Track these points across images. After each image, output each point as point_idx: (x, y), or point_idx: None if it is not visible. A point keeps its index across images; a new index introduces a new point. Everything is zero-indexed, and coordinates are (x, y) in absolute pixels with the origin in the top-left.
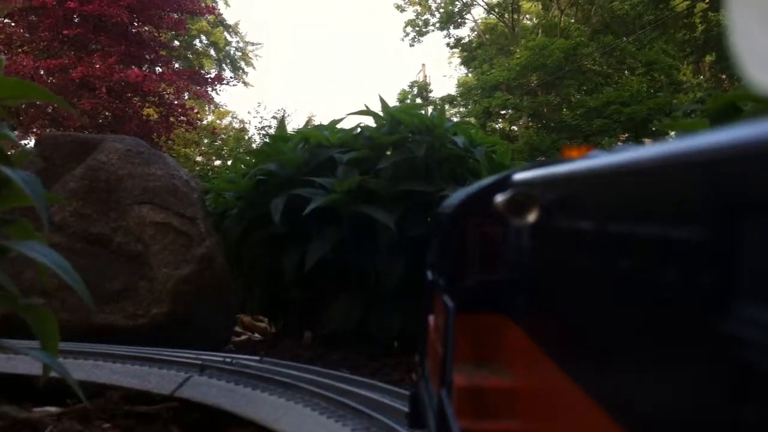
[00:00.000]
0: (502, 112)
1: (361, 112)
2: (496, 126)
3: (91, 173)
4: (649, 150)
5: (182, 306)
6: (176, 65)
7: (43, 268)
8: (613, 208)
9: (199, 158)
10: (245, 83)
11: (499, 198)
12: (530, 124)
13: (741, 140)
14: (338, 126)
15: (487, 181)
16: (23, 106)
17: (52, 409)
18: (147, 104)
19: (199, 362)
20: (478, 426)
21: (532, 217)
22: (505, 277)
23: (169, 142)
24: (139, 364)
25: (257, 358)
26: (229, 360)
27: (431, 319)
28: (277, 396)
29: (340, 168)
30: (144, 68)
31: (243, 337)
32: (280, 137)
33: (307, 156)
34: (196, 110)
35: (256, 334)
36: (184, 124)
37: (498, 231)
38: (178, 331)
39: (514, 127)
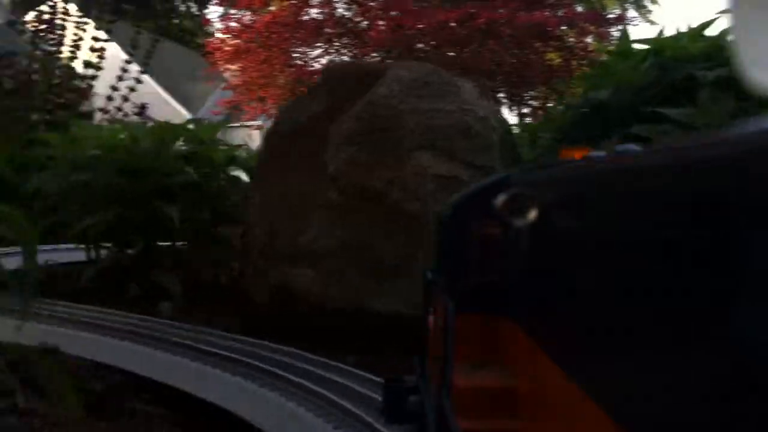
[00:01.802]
0: None
1: None
2: None
3: (369, 110)
4: (648, 150)
5: None
6: (578, 8)
7: None
8: (613, 208)
9: None
10: (650, 21)
11: (499, 198)
12: None
13: (739, 141)
14: (704, 33)
15: (487, 181)
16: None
17: None
18: (550, 49)
19: None
20: (477, 425)
21: (531, 217)
22: (505, 278)
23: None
24: None
25: None
26: None
27: (431, 319)
28: None
29: (703, 91)
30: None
31: None
32: (620, 53)
33: (652, 75)
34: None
35: None
36: (584, 67)
37: (498, 231)
38: None
39: None
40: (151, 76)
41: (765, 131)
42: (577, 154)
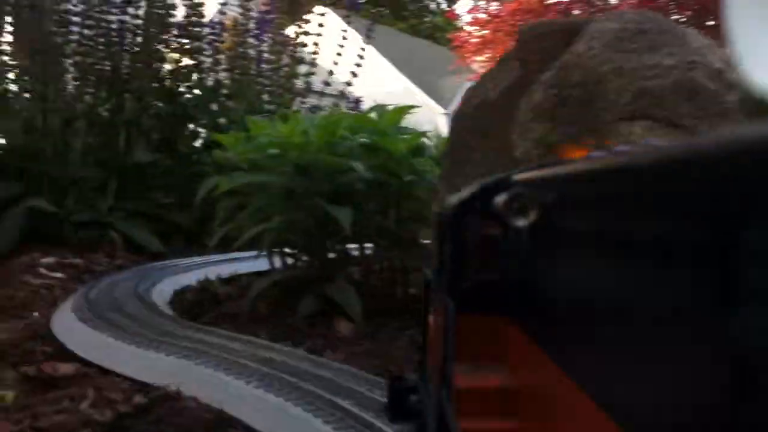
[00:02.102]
0: None
1: None
2: None
3: (562, 75)
4: (650, 150)
5: None
6: None
7: None
8: (613, 208)
9: None
10: None
11: (499, 198)
12: None
13: (740, 141)
14: None
15: (487, 180)
16: None
17: None
18: None
19: None
20: (477, 425)
21: (531, 217)
22: (505, 278)
23: None
24: None
25: None
26: None
27: (431, 319)
28: None
29: None
30: None
31: None
32: None
33: None
34: None
35: None
36: None
37: (499, 231)
38: None
39: None
40: (405, 74)
41: (765, 131)
42: (577, 154)
